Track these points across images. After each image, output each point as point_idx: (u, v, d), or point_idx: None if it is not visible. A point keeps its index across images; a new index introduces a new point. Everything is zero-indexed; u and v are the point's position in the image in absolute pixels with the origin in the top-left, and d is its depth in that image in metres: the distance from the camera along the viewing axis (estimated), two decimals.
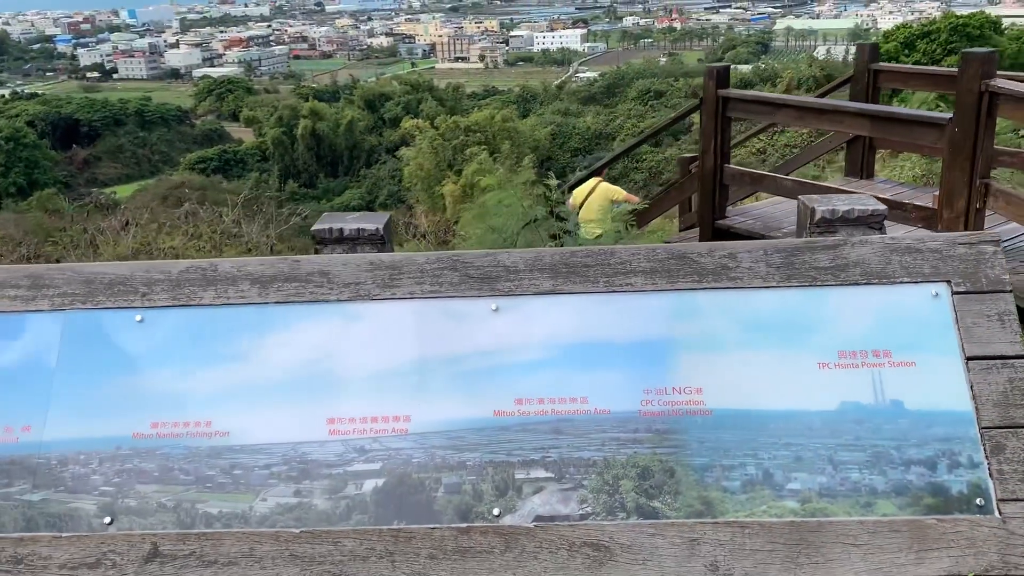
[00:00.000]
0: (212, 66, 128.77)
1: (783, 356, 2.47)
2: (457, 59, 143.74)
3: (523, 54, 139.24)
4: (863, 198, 2.90)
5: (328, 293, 2.60)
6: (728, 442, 2.38)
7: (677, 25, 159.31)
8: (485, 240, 5.83)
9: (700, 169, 7.42)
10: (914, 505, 2.29)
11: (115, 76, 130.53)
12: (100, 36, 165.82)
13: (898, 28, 29.78)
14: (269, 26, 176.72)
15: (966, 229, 5.27)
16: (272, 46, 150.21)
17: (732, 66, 7.66)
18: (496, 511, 2.33)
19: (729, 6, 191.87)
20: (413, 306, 2.58)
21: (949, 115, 5.44)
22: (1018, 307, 2.65)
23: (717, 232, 7.19)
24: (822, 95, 8.77)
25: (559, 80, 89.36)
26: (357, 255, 2.70)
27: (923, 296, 2.52)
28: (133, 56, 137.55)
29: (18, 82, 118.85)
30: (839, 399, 2.41)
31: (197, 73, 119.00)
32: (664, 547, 2.27)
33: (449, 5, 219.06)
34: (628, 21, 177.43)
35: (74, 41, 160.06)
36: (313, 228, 2.84)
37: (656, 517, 2.30)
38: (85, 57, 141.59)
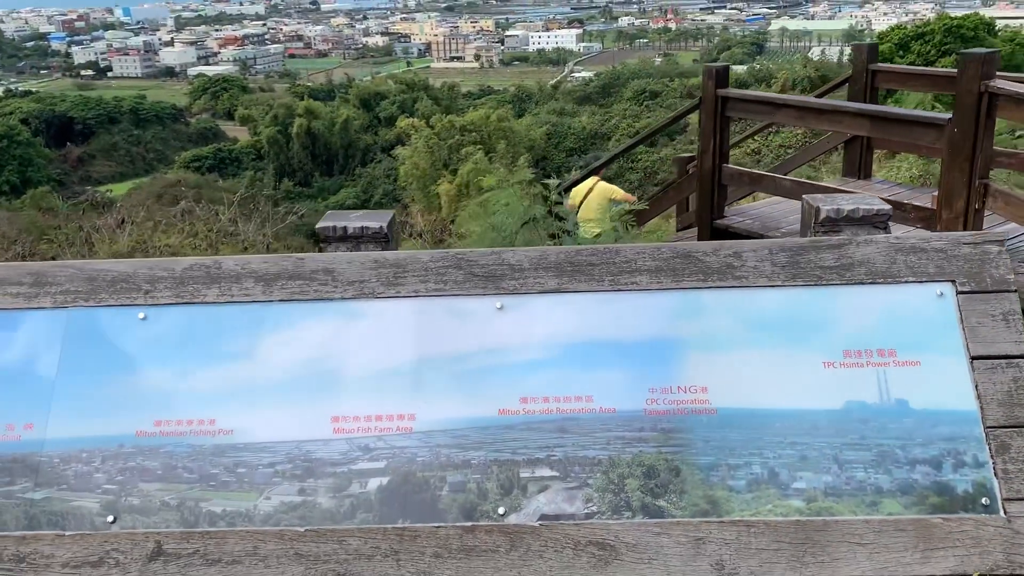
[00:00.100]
0: (207, 64, 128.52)
1: (788, 355, 2.47)
2: (453, 58, 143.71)
3: (519, 54, 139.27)
4: (867, 198, 2.90)
5: (332, 291, 2.59)
6: (733, 441, 2.37)
7: (672, 25, 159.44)
8: (484, 238, 5.82)
9: (699, 169, 7.42)
10: (919, 504, 2.29)
11: (109, 74, 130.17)
12: (94, 34, 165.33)
13: (892, 29, 29.84)
14: (264, 24, 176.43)
15: (965, 229, 5.28)
16: (267, 44, 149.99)
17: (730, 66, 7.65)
18: (501, 510, 2.32)
19: (724, 7, 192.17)
20: (417, 304, 2.58)
21: (949, 115, 5.45)
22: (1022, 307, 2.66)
23: (715, 232, 7.19)
24: (820, 95, 8.77)
25: (555, 80, 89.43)
26: (361, 253, 2.69)
27: (928, 296, 2.52)
28: (128, 54, 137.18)
29: (12, 79, 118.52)
30: (844, 398, 2.41)
31: (192, 71, 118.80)
32: (669, 546, 2.27)
33: (445, 4, 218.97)
34: (623, 21, 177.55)
35: (68, 39, 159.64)
36: (317, 226, 2.83)
37: (661, 516, 2.30)
38: (79, 55, 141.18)
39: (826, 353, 2.47)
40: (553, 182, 6.80)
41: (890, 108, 8.08)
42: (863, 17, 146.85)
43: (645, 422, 2.41)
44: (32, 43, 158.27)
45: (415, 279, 2.61)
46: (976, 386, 2.39)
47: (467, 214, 7.87)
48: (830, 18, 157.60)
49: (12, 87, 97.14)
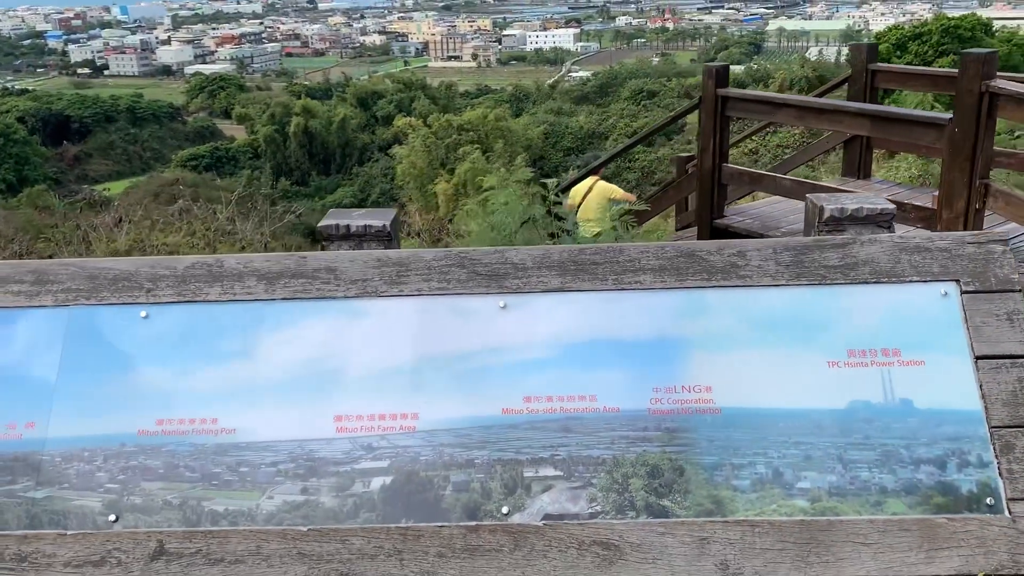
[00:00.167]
0: (204, 63, 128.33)
1: (792, 355, 2.47)
2: (450, 58, 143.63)
3: (516, 53, 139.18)
4: (871, 197, 2.90)
5: (335, 290, 2.58)
6: (738, 441, 2.37)
7: (670, 25, 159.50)
8: (483, 238, 5.82)
9: (699, 168, 7.42)
10: (924, 504, 2.29)
11: (106, 72, 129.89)
12: (91, 32, 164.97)
13: (890, 30, 29.89)
14: (261, 23, 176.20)
15: (965, 229, 5.28)
16: (264, 43, 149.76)
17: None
18: (505, 509, 2.31)
19: (722, 6, 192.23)
20: (421, 303, 2.57)
21: (949, 115, 5.45)
22: None
23: (715, 231, 7.19)
24: (820, 95, 8.77)
25: (552, 79, 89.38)
26: (364, 251, 2.68)
27: (932, 295, 2.52)
28: (124, 52, 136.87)
29: (8, 78, 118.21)
30: (848, 398, 2.41)
31: (189, 70, 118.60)
32: (674, 546, 2.26)
33: (442, 3, 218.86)
34: (621, 21, 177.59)
35: (65, 37, 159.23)
36: (320, 224, 2.82)
37: (666, 516, 2.29)
38: (76, 53, 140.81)
39: (830, 352, 2.46)
40: (552, 182, 6.80)
41: (891, 108, 8.09)
42: (860, 17, 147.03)
43: (649, 421, 2.40)
44: (28, 41, 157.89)
45: (418, 278, 2.60)
46: (980, 386, 2.39)
47: (465, 213, 7.87)
48: (827, 18, 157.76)
49: (8, 85, 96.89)
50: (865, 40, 36.39)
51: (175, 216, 12.71)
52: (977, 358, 2.42)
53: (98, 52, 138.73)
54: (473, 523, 2.30)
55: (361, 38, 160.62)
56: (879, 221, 2.73)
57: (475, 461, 2.37)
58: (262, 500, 2.33)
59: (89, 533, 2.30)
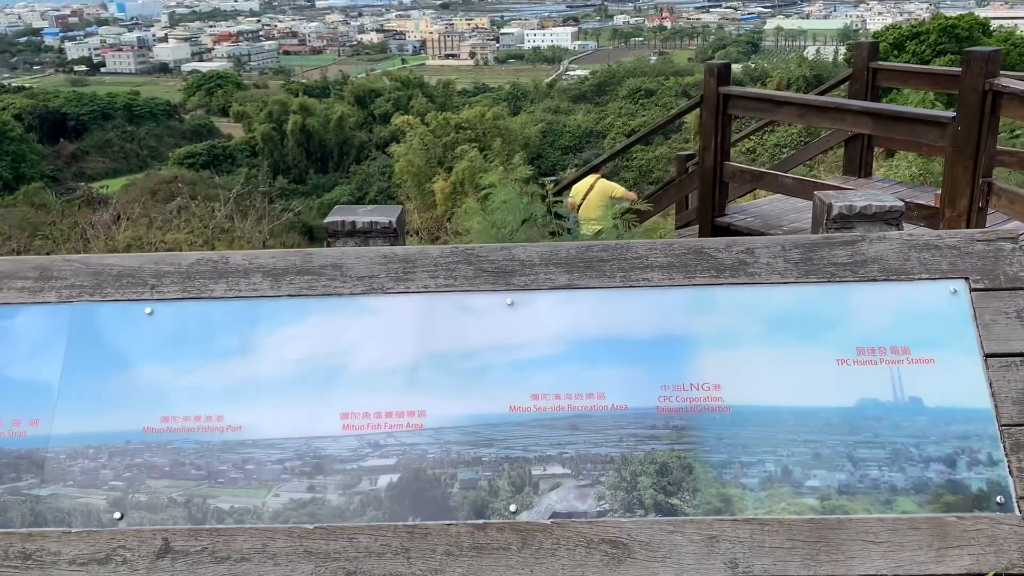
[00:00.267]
0: (201, 60, 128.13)
1: (801, 352, 2.46)
2: (448, 56, 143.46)
3: (514, 51, 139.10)
4: (880, 194, 2.89)
5: (341, 286, 2.56)
6: (746, 439, 2.36)
7: (667, 24, 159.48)
8: (483, 236, 5.80)
9: (700, 166, 7.41)
10: (934, 503, 2.27)
11: (103, 70, 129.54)
12: (88, 29, 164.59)
13: (888, 29, 29.93)
14: (259, 21, 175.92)
15: (968, 227, 5.27)
16: (262, 41, 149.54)
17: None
18: (512, 507, 2.30)
19: (719, 5, 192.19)
20: (427, 300, 2.55)
21: (952, 114, 5.45)
22: None
23: (716, 229, 7.18)
24: (821, 93, 8.77)
25: (550, 78, 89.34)
26: (370, 248, 2.67)
27: (941, 293, 2.51)
28: (121, 50, 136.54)
29: (5, 75, 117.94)
30: (858, 396, 2.40)
31: (186, 67, 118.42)
32: (682, 544, 2.25)
33: (440, 2, 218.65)
34: (619, 19, 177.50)
35: (62, 34, 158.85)
36: (326, 220, 2.81)
37: (674, 514, 2.28)
38: (73, 51, 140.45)
39: (839, 350, 2.45)
40: (551, 181, 6.79)
41: (893, 106, 8.09)
42: (858, 17, 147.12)
43: (657, 419, 2.39)
44: (25, 39, 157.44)
45: (424, 274, 2.58)
46: (990, 384, 2.38)
47: (465, 211, 7.86)
48: (825, 17, 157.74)
49: (5, 83, 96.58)
50: (862, 39, 36.38)
51: (173, 214, 12.67)
52: (987, 356, 2.41)
53: (95, 49, 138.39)
54: (481, 521, 2.29)
55: (359, 36, 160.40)
56: (888, 219, 2.72)
57: (482, 459, 2.36)
58: (268, 498, 2.32)
59: (94, 531, 2.28)
